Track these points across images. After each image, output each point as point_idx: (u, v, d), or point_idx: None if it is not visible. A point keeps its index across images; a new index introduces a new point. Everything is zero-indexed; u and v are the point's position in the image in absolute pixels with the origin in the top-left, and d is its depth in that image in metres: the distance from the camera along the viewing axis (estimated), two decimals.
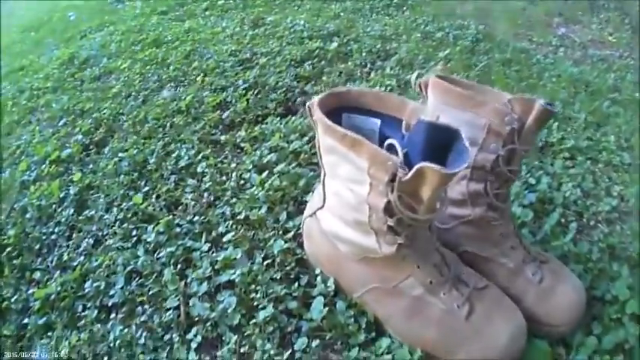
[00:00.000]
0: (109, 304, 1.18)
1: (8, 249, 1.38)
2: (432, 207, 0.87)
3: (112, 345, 1.08)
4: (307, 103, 0.96)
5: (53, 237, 1.42)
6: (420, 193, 0.83)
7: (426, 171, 0.78)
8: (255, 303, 1.08)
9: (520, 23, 3.22)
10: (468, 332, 0.94)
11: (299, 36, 2.51)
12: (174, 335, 1.07)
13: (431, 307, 0.95)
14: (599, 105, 2.05)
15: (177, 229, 1.32)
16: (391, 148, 0.85)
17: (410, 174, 0.79)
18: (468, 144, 0.80)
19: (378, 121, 0.97)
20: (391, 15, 3.08)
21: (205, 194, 1.43)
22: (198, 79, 2.09)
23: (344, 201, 0.96)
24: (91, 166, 1.67)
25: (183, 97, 1.94)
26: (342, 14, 2.99)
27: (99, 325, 1.13)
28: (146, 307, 1.14)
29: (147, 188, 1.49)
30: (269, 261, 1.17)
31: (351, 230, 0.98)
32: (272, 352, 0.98)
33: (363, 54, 2.30)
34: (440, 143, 0.85)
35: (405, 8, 3.22)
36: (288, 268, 1.15)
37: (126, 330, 1.10)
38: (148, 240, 1.30)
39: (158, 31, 2.82)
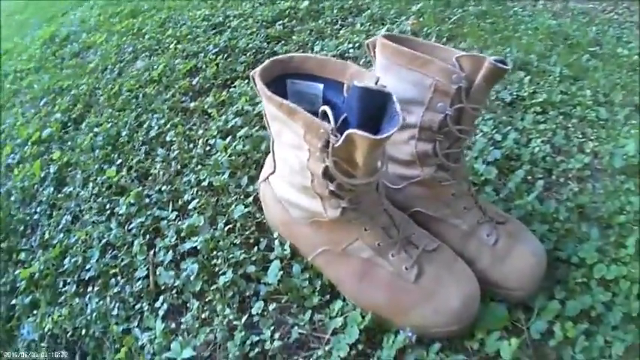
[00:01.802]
0: (86, 277, 1.22)
1: None
2: (368, 171, 0.86)
3: (89, 318, 1.11)
4: (250, 73, 0.95)
5: (36, 217, 1.47)
6: (354, 158, 0.82)
7: (355, 137, 0.77)
8: (217, 269, 1.10)
9: None
10: (418, 295, 0.93)
11: None
12: (144, 304, 1.10)
13: (379, 269, 0.95)
14: (578, 58, 1.97)
15: (147, 200, 1.34)
16: (327, 115, 0.84)
17: (340, 140, 0.79)
18: (399, 108, 0.79)
19: (321, 86, 0.96)
20: None
21: (173, 163, 1.44)
22: (171, 46, 2.08)
23: (290, 166, 0.96)
24: (69, 143, 1.70)
25: (155, 67, 1.94)
26: None
27: (77, 299, 1.18)
28: (119, 278, 1.18)
29: (120, 161, 1.52)
30: (230, 226, 1.18)
31: (298, 195, 0.98)
32: (231, 316, 1.00)
33: (335, 11, 2.26)
34: (374, 107, 0.84)
35: None
36: (248, 232, 1.16)
37: (101, 302, 1.14)
38: (120, 212, 1.33)
39: (135, 2, 2.80)
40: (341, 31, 2.08)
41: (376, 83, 0.86)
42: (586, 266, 1.07)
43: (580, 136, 1.51)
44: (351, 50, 1.89)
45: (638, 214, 1.21)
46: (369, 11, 2.26)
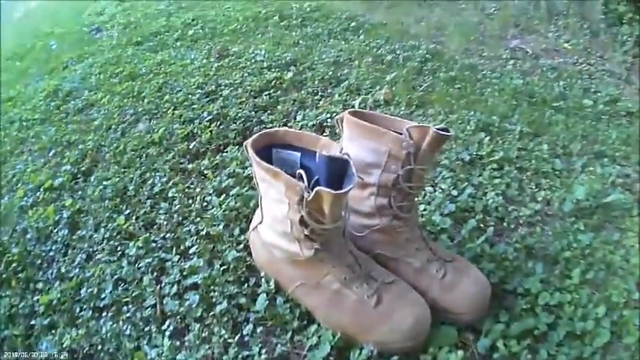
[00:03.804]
0: (101, 305, 1.44)
1: (14, 264, 1.62)
2: (334, 218, 1.14)
3: (104, 337, 1.34)
4: (244, 143, 1.24)
5: (51, 254, 1.66)
6: (322, 209, 1.11)
7: (321, 193, 1.06)
8: (214, 300, 1.36)
9: (473, 39, 3.28)
10: (377, 318, 1.18)
11: (259, 66, 2.74)
12: (152, 327, 1.34)
13: (346, 298, 1.21)
14: (540, 115, 2.18)
15: (153, 244, 1.59)
16: (302, 177, 1.12)
17: (311, 195, 1.08)
18: (354, 170, 1.08)
19: (299, 154, 1.25)
20: (347, 39, 3.23)
21: (175, 215, 1.70)
22: (169, 112, 2.32)
23: (274, 217, 1.24)
24: (80, 192, 1.92)
25: (156, 130, 2.19)
26: (300, 41, 3.18)
27: (93, 322, 1.40)
28: (130, 306, 1.41)
29: (128, 211, 1.76)
30: (225, 267, 1.45)
31: (281, 239, 1.25)
32: (226, 336, 1.27)
33: (316, 82, 2.53)
34: (337, 170, 1.13)
35: (360, 32, 3.34)
36: (239, 272, 1.43)
37: (114, 325, 1.37)
38: (130, 254, 1.57)
39: (133, 64, 3.02)
40: (320, 102, 2.35)
41: (341, 152, 1.14)
42: (531, 295, 1.30)
43: (533, 186, 1.75)
44: (329, 120, 2.16)
45: (585, 250, 1.45)
46: (347, 82, 2.50)
